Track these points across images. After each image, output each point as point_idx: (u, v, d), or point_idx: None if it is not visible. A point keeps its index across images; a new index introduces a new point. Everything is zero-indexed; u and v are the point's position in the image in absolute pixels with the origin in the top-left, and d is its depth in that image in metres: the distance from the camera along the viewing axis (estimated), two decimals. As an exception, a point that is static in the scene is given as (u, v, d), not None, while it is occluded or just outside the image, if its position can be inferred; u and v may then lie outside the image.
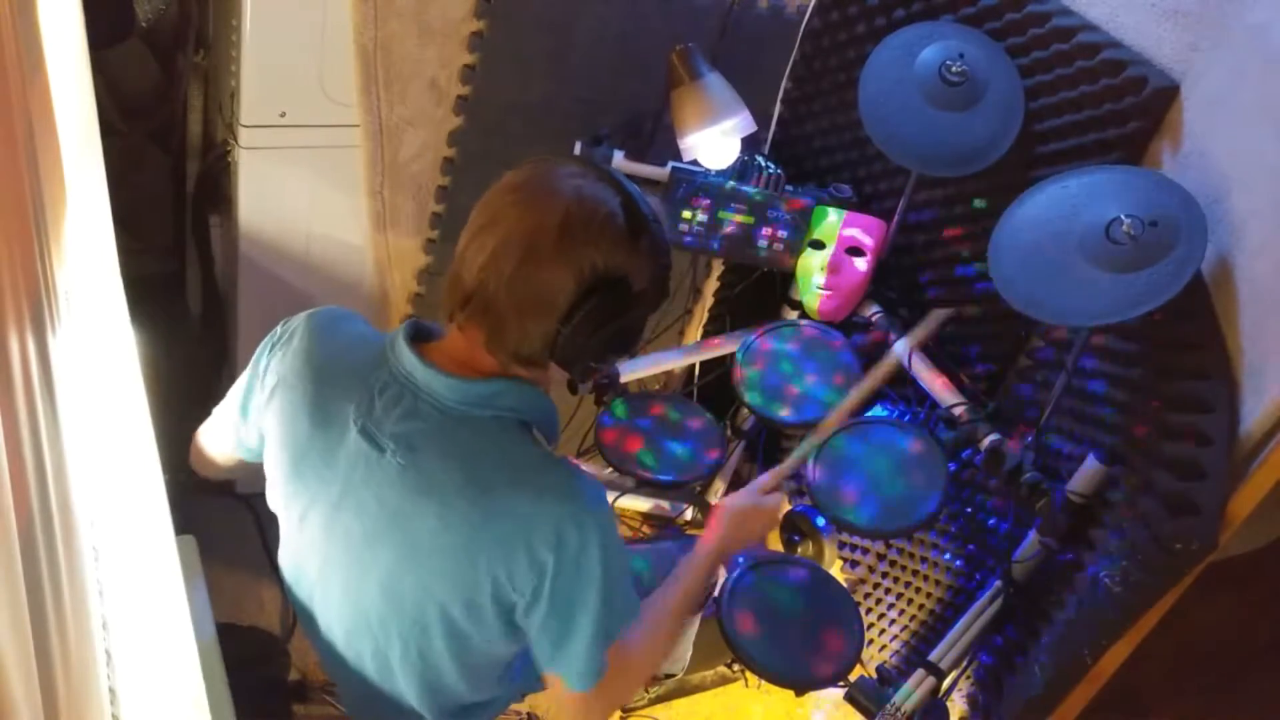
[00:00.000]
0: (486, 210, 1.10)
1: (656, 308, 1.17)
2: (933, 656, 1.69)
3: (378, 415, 1.13)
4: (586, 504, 1.12)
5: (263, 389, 1.24)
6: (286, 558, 1.29)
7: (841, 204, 1.98)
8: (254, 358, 1.26)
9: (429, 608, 1.15)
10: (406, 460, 1.11)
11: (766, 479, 1.50)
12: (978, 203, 1.82)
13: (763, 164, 1.98)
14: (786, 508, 1.47)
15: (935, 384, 1.85)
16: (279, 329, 1.25)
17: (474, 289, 1.08)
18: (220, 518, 2.19)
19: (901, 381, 1.93)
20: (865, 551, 2.18)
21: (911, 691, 1.66)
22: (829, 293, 1.94)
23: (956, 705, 1.83)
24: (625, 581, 1.18)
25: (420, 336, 1.17)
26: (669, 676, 2.06)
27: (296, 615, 1.33)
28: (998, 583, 1.69)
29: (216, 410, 1.34)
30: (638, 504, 2.40)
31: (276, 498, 1.25)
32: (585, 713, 1.21)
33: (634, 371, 2.05)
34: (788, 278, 2.07)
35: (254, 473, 2.30)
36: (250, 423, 1.27)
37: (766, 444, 2.41)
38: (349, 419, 1.14)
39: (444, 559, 1.12)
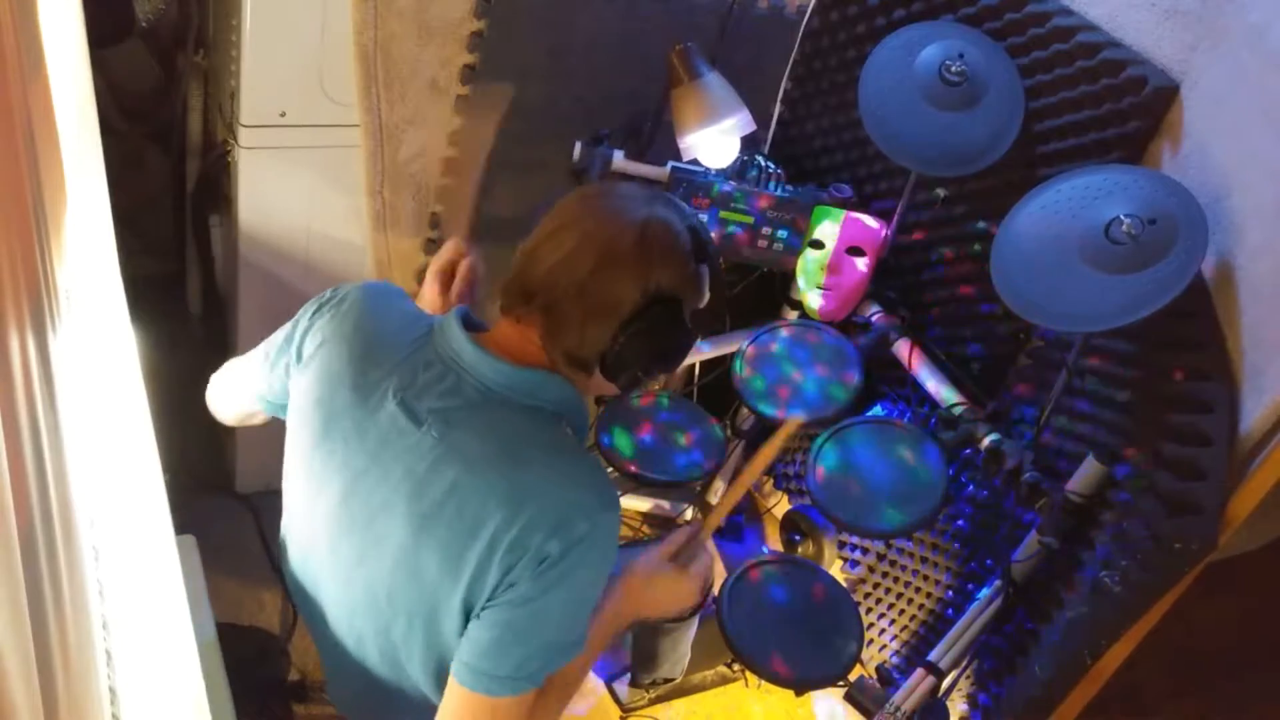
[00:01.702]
0: (562, 214, 1.14)
1: (704, 333, 1.22)
2: (933, 656, 1.69)
3: (419, 390, 1.15)
4: (605, 504, 1.14)
5: (298, 347, 1.24)
6: (295, 538, 1.28)
7: (841, 204, 1.98)
8: (297, 315, 1.27)
9: (440, 581, 1.15)
10: (441, 434, 1.13)
11: (672, 544, 1.34)
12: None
13: (763, 164, 1.98)
14: (695, 588, 1.32)
15: (935, 384, 1.85)
16: (328, 292, 1.27)
17: (541, 286, 1.12)
18: (220, 518, 2.19)
19: (901, 381, 1.93)
20: (865, 551, 2.18)
21: (911, 691, 1.67)
22: (829, 292, 1.94)
23: (956, 705, 1.83)
24: (588, 610, 1.16)
25: (470, 324, 1.20)
26: (668, 681, 2.06)
27: (297, 603, 1.32)
28: (998, 583, 1.69)
29: (237, 362, 1.34)
30: (638, 504, 2.40)
31: (295, 462, 1.24)
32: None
33: (634, 371, 2.05)
34: (788, 278, 2.07)
35: (254, 471, 2.30)
36: (276, 374, 1.27)
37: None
38: (389, 391, 1.16)
39: (461, 523, 1.11)
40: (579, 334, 1.12)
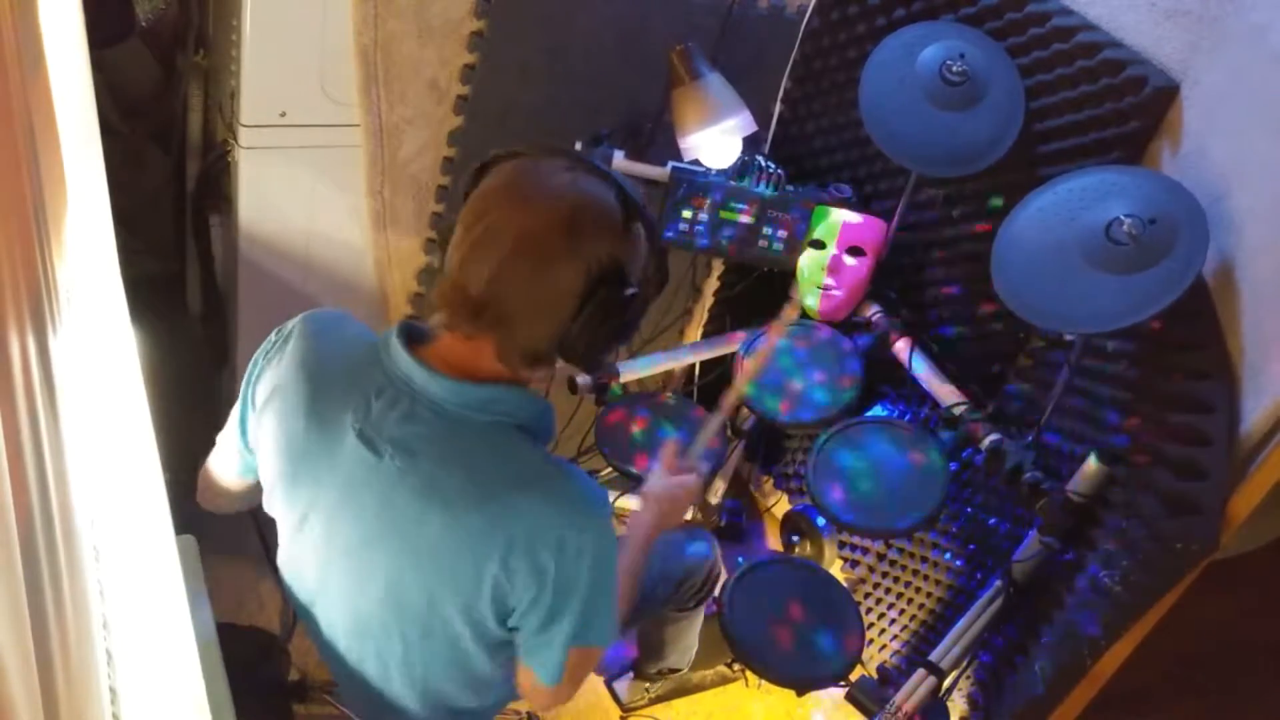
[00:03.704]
0: (481, 219, 1.06)
1: (659, 293, 1.18)
2: (933, 656, 1.69)
3: (375, 419, 1.12)
4: (588, 509, 1.12)
5: (254, 401, 1.23)
6: (285, 562, 1.29)
7: (841, 204, 1.98)
8: (248, 369, 1.25)
9: (430, 611, 1.15)
10: (405, 464, 1.11)
11: (668, 456, 1.47)
12: (995, 201, 1.81)
13: (763, 164, 1.98)
14: (698, 485, 1.49)
15: (935, 384, 1.85)
16: (272, 336, 1.24)
17: (484, 302, 1.06)
18: (220, 518, 2.19)
19: (901, 381, 1.93)
20: (865, 551, 2.18)
21: (911, 691, 1.66)
22: (829, 292, 1.94)
23: (956, 705, 1.83)
24: (610, 594, 1.17)
25: (414, 338, 1.15)
26: (674, 671, 2.06)
27: (297, 614, 1.33)
28: (998, 583, 1.69)
29: (220, 437, 1.32)
30: (637, 503, 2.40)
31: (275, 504, 1.24)
32: (549, 700, 1.26)
33: (634, 371, 2.05)
34: (788, 277, 2.07)
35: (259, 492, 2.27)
36: (249, 439, 1.26)
37: (766, 442, 2.42)
38: (346, 424, 1.14)
39: (447, 561, 1.12)
40: (531, 334, 1.08)
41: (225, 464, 1.32)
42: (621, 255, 1.08)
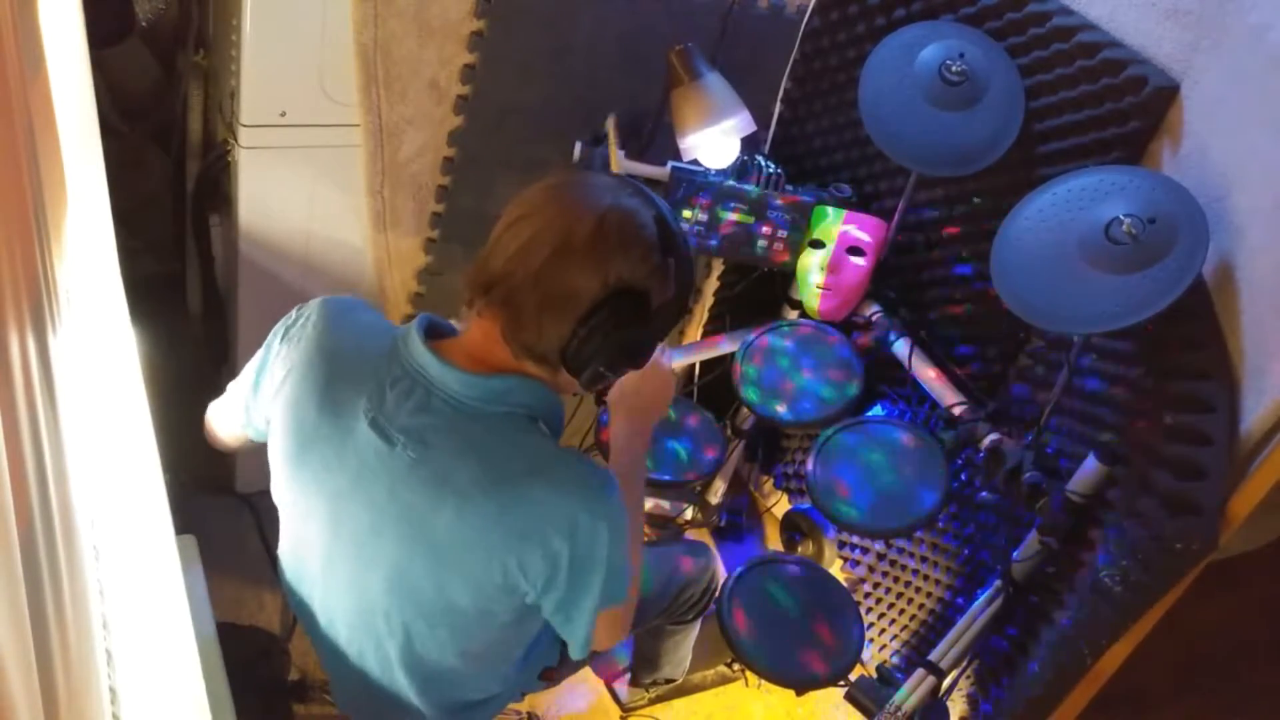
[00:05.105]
0: (524, 203, 1.11)
1: (672, 326, 1.19)
2: (933, 656, 1.69)
3: (389, 408, 1.13)
4: (599, 493, 1.13)
5: (273, 375, 1.23)
6: (288, 552, 1.29)
7: (841, 204, 1.98)
8: (268, 339, 1.26)
9: (436, 599, 1.16)
10: (418, 454, 1.12)
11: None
12: (977, 200, 1.82)
13: (763, 163, 1.98)
14: (674, 367, 1.39)
15: (935, 384, 1.85)
16: (293, 313, 1.25)
17: (500, 276, 1.09)
18: (220, 518, 2.19)
19: (901, 381, 1.93)
20: (865, 551, 2.18)
21: (911, 691, 1.67)
22: (829, 292, 1.94)
23: (956, 705, 1.83)
24: (625, 558, 1.18)
25: (433, 332, 1.17)
26: (669, 682, 2.06)
27: (296, 612, 1.33)
28: (998, 583, 1.69)
29: (230, 386, 1.33)
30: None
31: (281, 488, 1.24)
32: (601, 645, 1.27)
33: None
34: (788, 277, 2.07)
35: (254, 471, 2.30)
36: (260, 402, 1.26)
37: (766, 442, 2.42)
38: (359, 410, 1.14)
39: (457, 550, 1.12)
40: (536, 326, 1.09)
41: (229, 415, 1.33)
42: (645, 280, 1.10)
